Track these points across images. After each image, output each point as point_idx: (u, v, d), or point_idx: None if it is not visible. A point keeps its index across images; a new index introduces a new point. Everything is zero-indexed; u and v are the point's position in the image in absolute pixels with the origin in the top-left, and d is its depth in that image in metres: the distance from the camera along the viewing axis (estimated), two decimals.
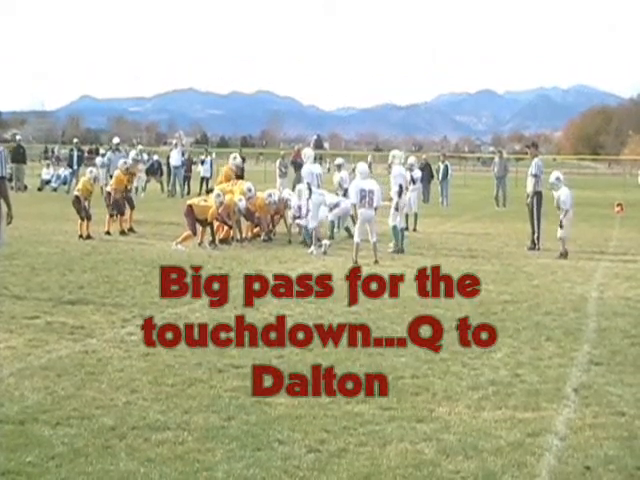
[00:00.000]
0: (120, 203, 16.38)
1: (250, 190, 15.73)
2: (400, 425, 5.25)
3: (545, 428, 5.24)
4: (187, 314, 8.61)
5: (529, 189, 15.52)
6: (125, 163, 17.30)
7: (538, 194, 15.43)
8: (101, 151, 41.87)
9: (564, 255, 14.21)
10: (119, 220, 16.36)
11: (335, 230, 16.42)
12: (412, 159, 18.81)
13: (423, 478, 4.44)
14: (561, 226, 14.37)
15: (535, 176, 15.41)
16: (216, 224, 15.04)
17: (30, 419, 5.19)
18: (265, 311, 8.89)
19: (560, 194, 14.48)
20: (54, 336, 7.49)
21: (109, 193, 16.46)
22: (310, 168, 15.24)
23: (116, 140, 27.89)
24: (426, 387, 6.12)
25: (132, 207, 17.00)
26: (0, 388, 5.85)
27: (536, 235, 15.29)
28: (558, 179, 14.66)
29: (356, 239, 13.07)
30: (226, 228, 15.32)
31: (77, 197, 15.79)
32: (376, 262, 12.76)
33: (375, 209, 13.11)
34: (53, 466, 4.47)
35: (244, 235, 15.69)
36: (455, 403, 5.75)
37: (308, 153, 16.16)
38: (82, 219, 15.49)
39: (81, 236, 15.30)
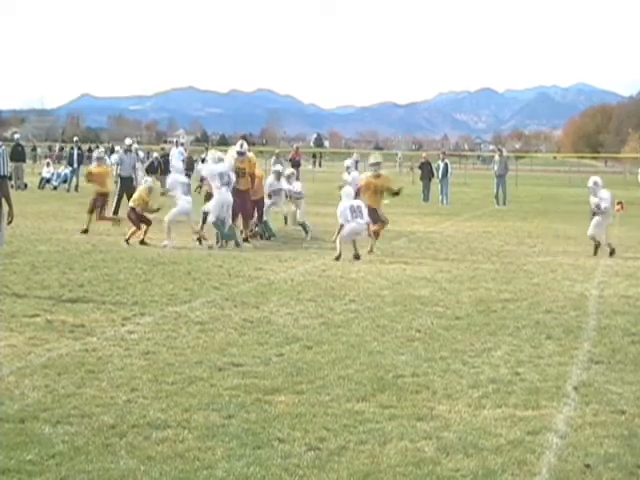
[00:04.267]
0: (142, 218, 15.26)
1: (242, 145, 15.49)
2: (400, 423, 5.24)
3: (545, 426, 5.24)
4: (187, 312, 8.62)
5: None
6: (146, 182, 16.26)
7: None
8: (100, 149, 41.64)
9: (613, 252, 14.21)
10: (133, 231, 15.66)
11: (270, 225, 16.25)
12: (348, 161, 19.12)
13: (423, 476, 4.44)
14: (598, 226, 14.42)
15: None
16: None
17: (30, 417, 5.19)
18: (265, 309, 8.90)
19: (601, 196, 14.48)
20: (54, 334, 7.48)
21: (133, 209, 15.13)
22: (213, 167, 14.85)
23: (128, 141, 27.59)
24: (426, 385, 6.12)
25: (149, 223, 16.41)
26: (0, 386, 5.84)
27: None
28: (596, 183, 14.68)
29: (343, 240, 13.19)
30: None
31: (132, 209, 14.95)
32: (361, 256, 12.96)
33: (367, 223, 13.34)
34: (53, 464, 4.47)
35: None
36: (455, 401, 5.75)
37: (213, 155, 15.78)
38: (138, 228, 14.65)
39: (126, 240, 14.47)
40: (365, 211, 13.30)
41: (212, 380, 6.13)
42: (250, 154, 15.93)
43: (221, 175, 14.58)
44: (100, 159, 18.10)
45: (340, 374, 6.34)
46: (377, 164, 14.93)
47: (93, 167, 17.83)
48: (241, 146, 15.57)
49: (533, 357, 7.06)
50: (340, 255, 12.93)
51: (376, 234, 14.16)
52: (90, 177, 17.21)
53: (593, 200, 14.62)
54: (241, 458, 4.61)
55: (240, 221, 15.45)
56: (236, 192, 14.93)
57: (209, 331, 7.77)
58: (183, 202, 14.91)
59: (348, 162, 19.07)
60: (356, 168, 24.14)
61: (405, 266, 12.51)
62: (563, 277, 11.73)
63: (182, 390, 5.88)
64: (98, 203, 16.43)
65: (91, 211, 16.35)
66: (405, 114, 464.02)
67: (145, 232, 14.70)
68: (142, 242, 14.48)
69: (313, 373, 6.36)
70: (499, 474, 4.47)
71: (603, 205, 14.42)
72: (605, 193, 14.63)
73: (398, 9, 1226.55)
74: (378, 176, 14.74)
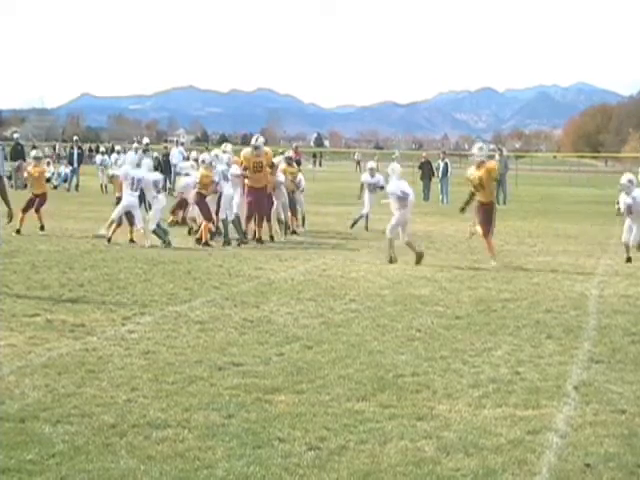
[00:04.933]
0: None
1: (257, 139, 15.22)
2: (400, 423, 5.24)
3: (545, 426, 5.24)
4: (187, 312, 8.62)
5: None
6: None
7: None
8: (101, 149, 41.68)
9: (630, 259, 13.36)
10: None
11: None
12: (372, 163, 19.31)
13: (423, 476, 4.44)
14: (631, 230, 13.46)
15: None
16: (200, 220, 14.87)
17: (30, 417, 5.19)
18: (266, 309, 8.90)
19: (636, 195, 13.29)
20: (54, 334, 7.49)
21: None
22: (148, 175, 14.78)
23: (146, 140, 27.51)
24: (426, 385, 6.12)
25: None
26: (0, 386, 5.84)
27: None
28: (631, 181, 13.51)
29: (389, 235, 13.04)
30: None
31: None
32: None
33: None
34: (53, 464, 4.47)
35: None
36: (455, 401, 5.75)
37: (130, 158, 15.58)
38: (119, 225, 14.46)
39: (132, 240, 14.43)
40: (411, 201, 13.05)
41: (212, 380, 6.13)
42: (267, 148, 15.75)
43: (155, 183, 14.83)
44: (37, 159, 17.04)
45: (340, 373, 6.34)
46: (472, 155, 14.09)
47: (30, 167, 16.88)
48: (256, 140, 15.24)
49: (533, 356, 7.06)
50: (392, 258, 12.85)
51: (489, 246, 13.02)
52: (28, 177, 16.68)
53: (625, 200, 13.44)
54: (241, 458, 4.61)
55: (247, 220, 15.17)
56: (249, 190, 14.77)
57: (209, 330, 7.77)
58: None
59: (372, 164, 19.26)
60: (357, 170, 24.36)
61: (405, 265, 12.51)
62: (563, 277, 11.73)
63: (182, 390, 5.88)
64: (36, 203, 15.92)
65: (25, 210, 15.62)
66: (405, 114, 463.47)
67: (131, 231, 14.63)
68: (131, 240, 14.49)
69: (313, 372, 6.36)
70: (499, 473, 4.47)
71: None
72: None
73: (398, 9, 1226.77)
74: (480, 165, 12.99)
